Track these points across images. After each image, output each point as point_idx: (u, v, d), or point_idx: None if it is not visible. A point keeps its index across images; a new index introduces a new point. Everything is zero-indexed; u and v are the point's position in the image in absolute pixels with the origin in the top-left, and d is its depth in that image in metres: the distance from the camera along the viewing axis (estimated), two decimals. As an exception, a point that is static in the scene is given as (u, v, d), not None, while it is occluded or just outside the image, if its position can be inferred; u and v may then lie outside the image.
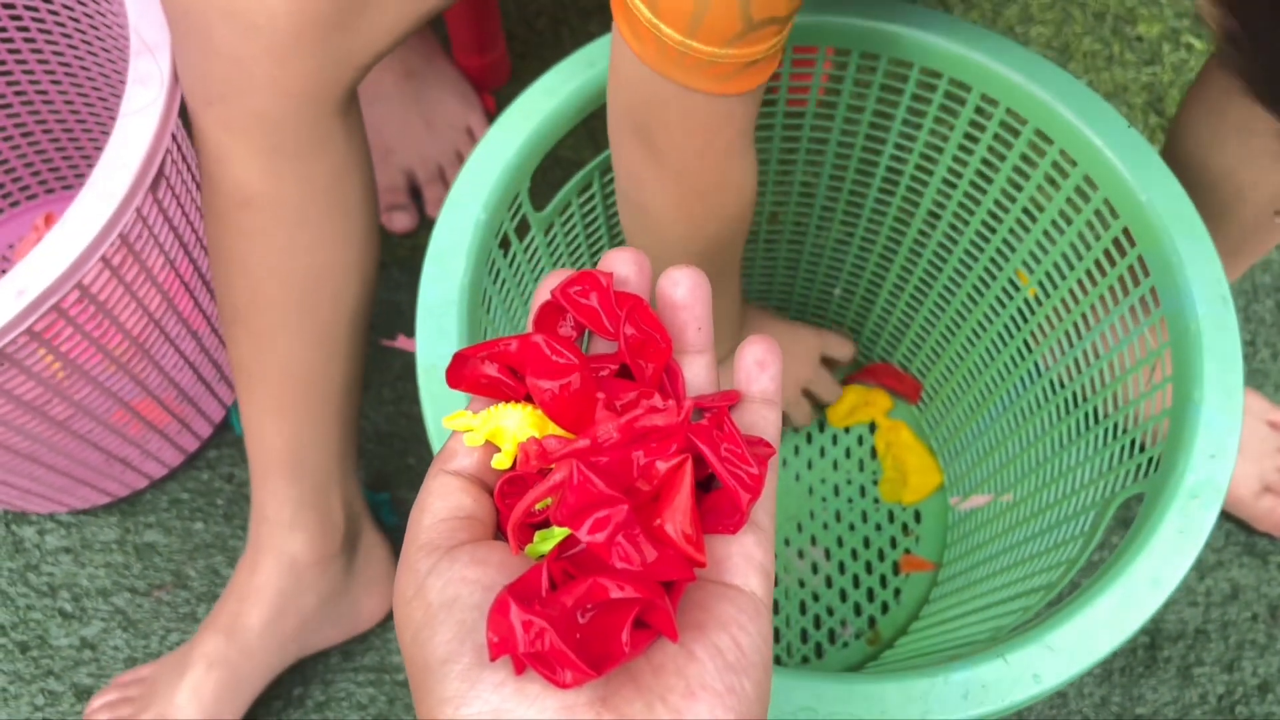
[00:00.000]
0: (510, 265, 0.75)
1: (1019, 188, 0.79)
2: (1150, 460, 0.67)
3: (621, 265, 0.40)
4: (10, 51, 1.00)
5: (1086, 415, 0.80)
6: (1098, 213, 0.74)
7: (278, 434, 0.83)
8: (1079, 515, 0.74)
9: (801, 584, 0.99)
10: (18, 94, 1.05)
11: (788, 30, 0.58)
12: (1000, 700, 0.56)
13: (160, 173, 0.78)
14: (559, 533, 0.35)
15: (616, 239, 0.87)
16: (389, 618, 0.98)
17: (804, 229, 0.96)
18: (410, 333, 1.12)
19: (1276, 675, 0.99)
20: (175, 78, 0.76)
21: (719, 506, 0.36)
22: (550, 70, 0.73)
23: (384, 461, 1.06)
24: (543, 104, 0.72)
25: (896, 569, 1.00)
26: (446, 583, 0.33)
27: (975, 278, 0.88)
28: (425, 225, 1.18)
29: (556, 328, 0.39)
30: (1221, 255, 0.69)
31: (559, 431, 0.37)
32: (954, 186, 0.84)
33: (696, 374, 0.40)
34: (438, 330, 0.65)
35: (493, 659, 0.31)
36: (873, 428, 1.06)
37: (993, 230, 0.84)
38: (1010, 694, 0.56)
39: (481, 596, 0.33)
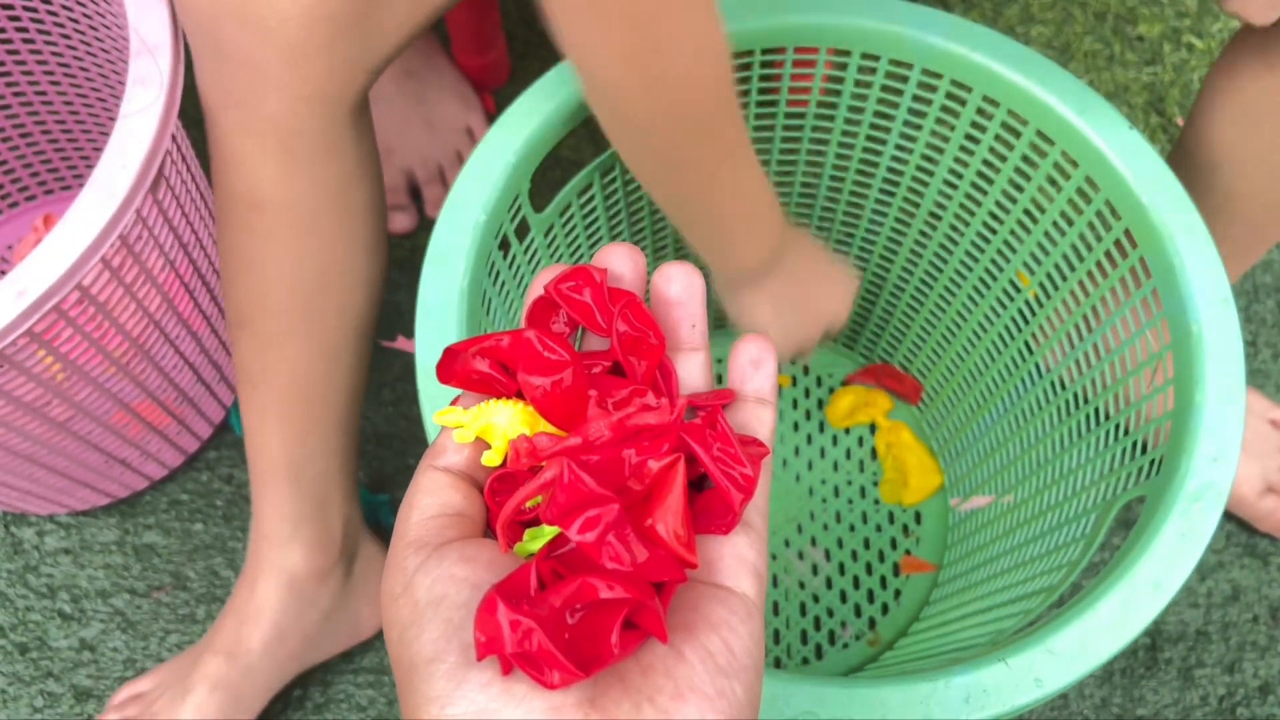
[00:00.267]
0: (510, 267, 0.75)
1: (1020, 189, 0.79)
2: (1152, 463, 0.67)
3: (616, 261, 0.40)
4: (9, 53, 1.00)
5: (1088, 417, 0.80)
6: (1099, 214, 0.74)
7: (279, 441, 0.83)
8: (1080, 518, 0.74)
9: (802, 585, 0.99)
10: (16, 95, 1.05)
11: None
12: (1002, 704, 0.55)
13: (160, 174, 0.77)
14: (549, 531, 0.35)
15: (617, 240, 0.87)
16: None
17: (804, 229, 0.96)
18: (410, 333, 1.12)
19: (1277, 677, 0.99)
20: (175, 79, 0.76)
21: (711, 507, 0.36)
22: (550, 71, 0.73)
23: (383, 463, 1.06)
24: (542, 105, 0.72)
25: (897, 570, 1.00)
26: (434, 580, 0.33)
27: (976, 278, 0.88)
28: (425, 226, 1.18)
29: (549, 323, 0.39)
30: (1238, 243, 0.68)
31: (550, 429, 0.37)
32: (955, 187, 0.83)
33: (690, 372, 0.40)
34: (437, 332, 0.65)
35: (479, 659, 0.31)
36: (873, 429, 1.06)
37: (994, 231, 0.84)
38: (1012, 698, 0.56)
39: (469, 595, 0.33)
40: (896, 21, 0.74)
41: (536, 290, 0.39)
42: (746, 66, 0.78)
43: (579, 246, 0.83)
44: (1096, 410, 0.79)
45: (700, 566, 0.35)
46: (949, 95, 0.77)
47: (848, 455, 1.05)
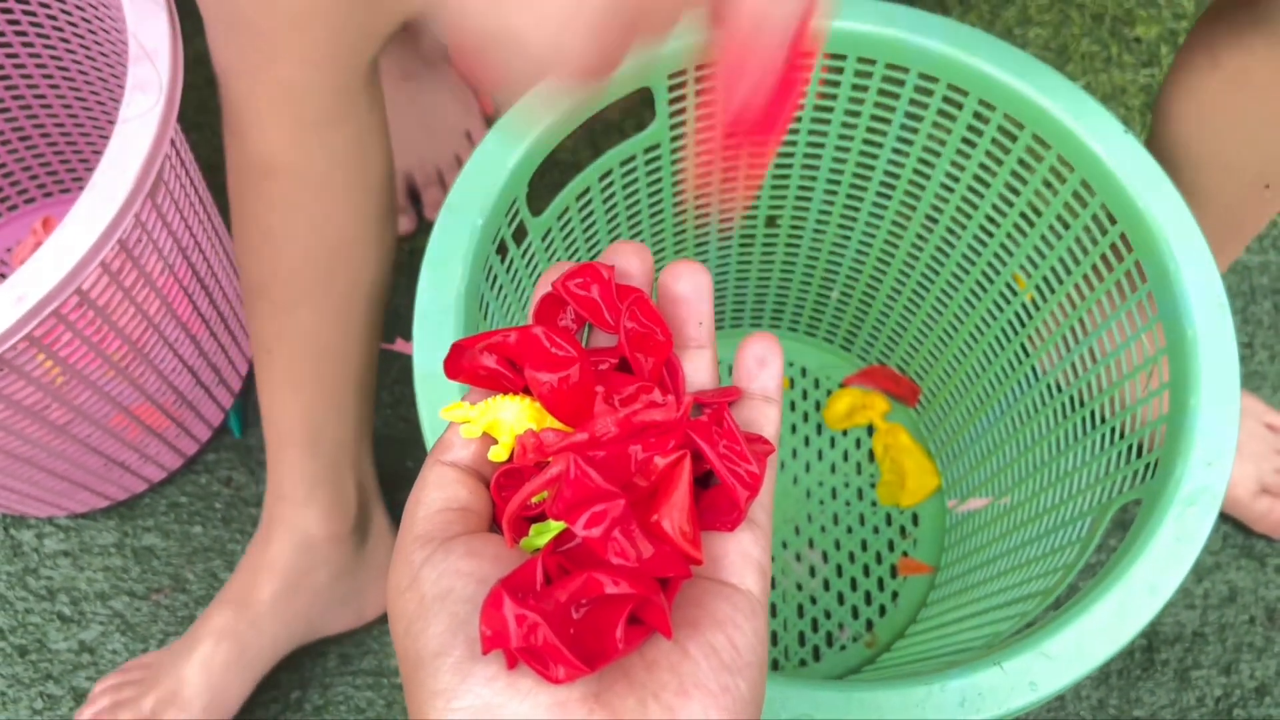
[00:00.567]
0: (508, 271, 0.75)
1: (1016, 192, 0.79)
2: (1148, 466, 0.67)
3: (624, 258, 0.40)
4: (8, 56, 1.00)
5: (1085, 420, 0.80)
6: (1095, 218, 0.74)
7: (295, 407, 0.84)
8: (1077, 520, 0.74)
9: (799, 587, 0.99)
10: (16, 99, 1.05)
11: None
12: (997, 707, 0.56)
13: (159, 178, 0.78)
14: (555, 526, 0.35)
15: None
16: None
17: (800, 232, 0.96)
18: (408, 336, 1.11)
19: (1274, 678, 0.99)
20: (174, 84, 0.76)
21: (717, 504, 0.36)
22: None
23: (381, 465, 1.06)
24: (540, 109, 0.72)
25: (894, 572, 1.00)
26: (440, 575, 0.33)
27: (973, 281, 0.88)
28: (424, 228, 1.18)
29: (556, 320, 0.39)
30: (1213, 239, 0.68)
31: (557, 424, 0.37)
32: (951, 191, 0.84)
33: (697, 369, 0.40)
34: (435, 337, 0.65)
35: (485, 653, 0.31)
36: (870, 430, 1.06)
37: (990, 234, 0.84)
38: (1007, 701, 0.56)
39: (475, 589, 0.33)
40: (893, 26, 0.75)
41: (545, 287, 0.39)
42: (743, 71, 0.78)
43: (577, 250, 0.83)
44: (1093, 413, 0.79)
45: (705, 563, 0.35)
46: (945, 100, 0.77)
47: (845, 457, 1.05)
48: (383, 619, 0.98)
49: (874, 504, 1.03)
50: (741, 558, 0.35)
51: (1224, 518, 1.04)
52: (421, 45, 1.17)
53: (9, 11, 0.96)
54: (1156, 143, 0.87)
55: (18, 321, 0.71)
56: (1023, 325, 0.86)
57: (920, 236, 0.90)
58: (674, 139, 0.81)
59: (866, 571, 1.00)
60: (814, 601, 0.99)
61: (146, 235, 0.80)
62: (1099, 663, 0.57)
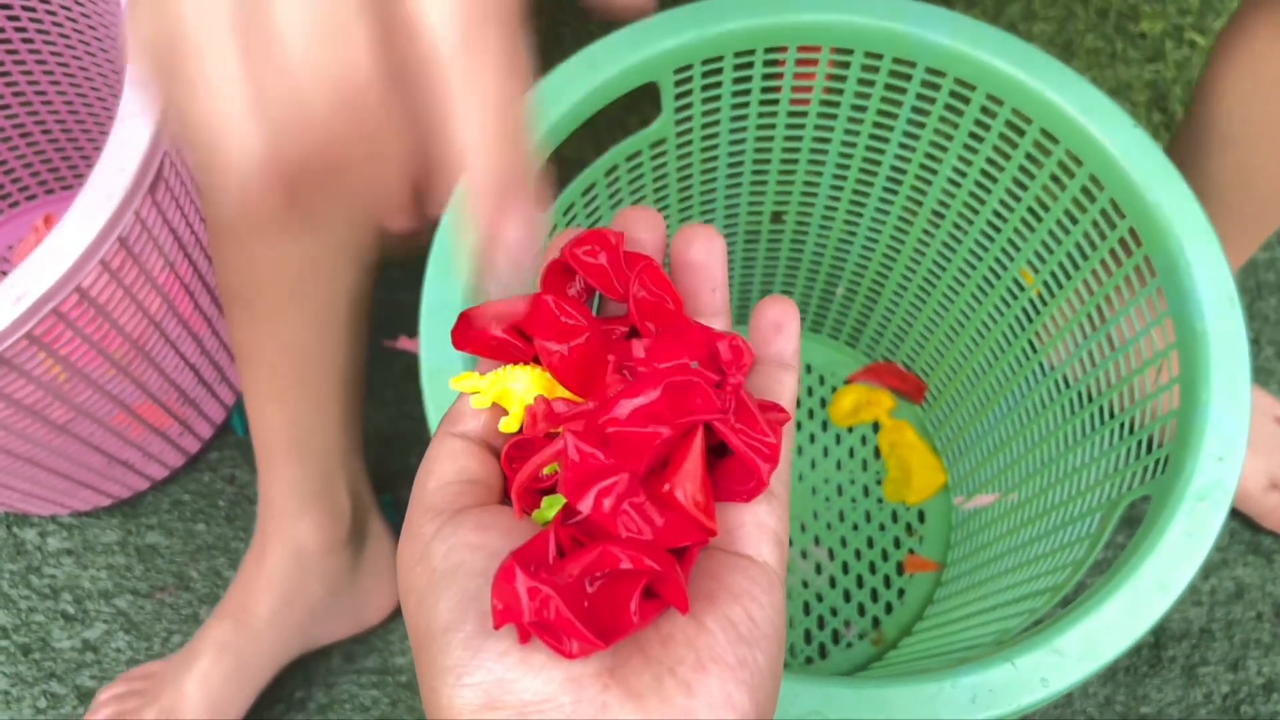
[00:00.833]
0: (513, 266, 0.74)
1: (1024, 187, 0.79)
2: (1157, 461, 0.67)
3: (634, 225, 0.39)
4: (9, 53, 1.00)
5: (1093, 415, 0.79)
6: (1104, 212, 0.73)
7: (279, 418, 0.83)
8: (1085, 516, 0.74)
9: (805, 584, 0.99)
10: (16, 95, 1.05)
11: None
12: (1008, 704, 0.55)
13: (159, 175, 0.77)
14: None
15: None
16: (393, 617, 0.98)
17: (806, 228, 0.96)
18: (412, 333, 1.11)
19: (1282, 674, 0.99)
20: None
21: (733, 473, 0.35)
22: (551, 72, 0.73)
23: (386, 463, 1.06)
24: (546, 105, 0.72)
25: (900, 569, 1.00)
26: (451, 548, 0.33)
27: (980, 276, 0.88)
28: (427, 226, 1.17)
29: (565, 288, 0.38)
30: (1245, 225, 0.67)
31: (567, 394, 0.36)
32: (958, 185, 0.83)
33: None
34: (441, 333, 0.65)
35: (496, 627, 0.30)
36: (876, 427, 1.06)
37: (997, 229, 0.83)
38: (1018, 697, 0.55)
39: (486, 563, 0.32)
40: (899, 20, 0.74)
41: (553, 254, 0.38)
42: (749, 65, 0.78)
43: (582, 246, 0.83)
44: (1101, 408, 0.79)
45: (721, 534, 0.34)
46: (952, 94, 0.77)
47: (851, 454, 1.05)
48: (383, 623, 0.98)
49: (880, 501, 1.03)
50: (758, 529, 0.34)
51: (1231, 513, 1.04)
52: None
53: (9, 8, 0.95)
54: (1198, 121, 0.85)
55: (17, 320, 0.70)
56: (1030, 320, 0.86)
57: (927, 232, 0.89)
58: (680, 134, 0.80)
59: (873, 569, 1.00)
60: (820, 599, 0.99)
61: (147, 232, 0.79)
62: (1110, 659, 0.56)
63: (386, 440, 1.07)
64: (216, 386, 1.02)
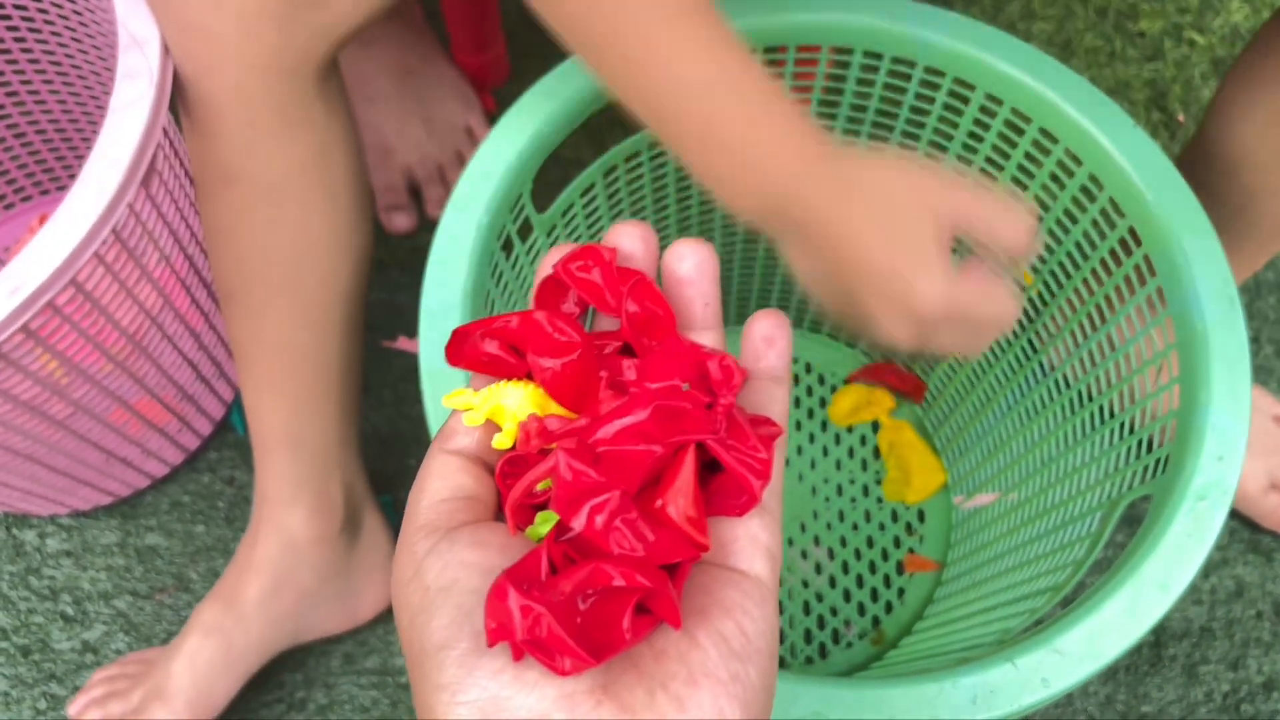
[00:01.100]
0: (513, 268, 0.74)
1: (1024, 187, 0.79)
2: (1158, 461, 0.67)
3: (627, 240, 0.39)
4: (0, 53, 1.00)
5: (1093, 414, 0.79)
6: (1103, 212, 0.73)
7: (274, 411, 0.84)
8: (1085, 516, 0.74)
9: (805, 584, 0.99)
10: (9, 95, 1.05)
11: None
12: (1009, 704, 0.55)
13: (152, 167, 0.77)
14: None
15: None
16: (391, 615, 0.98)
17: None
18: (411, 333, 1.11)
19: (1282, 673, 0.99)
20: (165, 72, 0.76)
21: (725, 488, 0.35)
22: (551, 71, 0.73)
23: (385, 463, 1.06)
24: (544, 105, 0.72)
25: (900, 569, 1.00)
26: (445, 565, 0.33)
27: (979, 277, 0.88)
28: (425, 226, 1.18)
29: (559, 304, 0.38)
30: (1253, 250, 0.67)
31: (561, 410, 0.36)
32: (958, 185, 0.83)
33: None
34: (441, 334, 0.64)
35: (490, 645, 0.30)
36: (876, 427, 1.06)
37: (997, 229, 0.83)
38: (1019, 698, 0.55)
39: (480, 580, 0.32)
40: (899, 19, 0.74)
41: (546, 270, 0.38)
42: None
43: (581, 246, 0.83)
44: (1101, 408, 0.79)
45: (713, 549, 0.34)
46: (951, 93, 0.77)
47: (850, 454, 1.05)
48: (380, 618, 0.98)
49: (879, 500, 1.03)
50: (750, 543, 0.35)
51: (1231, 513, 1.03)
52: (422, 42, 1.16)
53: (0, 7, 0.95)
54: (1210, 143, 0.85)
55: (12, 313, 0.70)
56: (1030, 320, 0.86)
57: (926, 231, 0.89)
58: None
59: (873, 568, 1.00)
60: (820, 599, 0.99)
61: (141, 226, 0.79)
62: (1111, 659, 0.57)
63: (385, 440, 1.07)
64: (215, 382, 1.02)
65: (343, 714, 0.97)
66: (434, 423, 0.62)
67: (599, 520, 0.31)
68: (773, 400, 0.38)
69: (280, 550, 0.88)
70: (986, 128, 0.78)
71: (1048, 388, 0.86)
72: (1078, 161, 0.73)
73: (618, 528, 0.32)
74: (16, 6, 0.96)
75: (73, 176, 1.15)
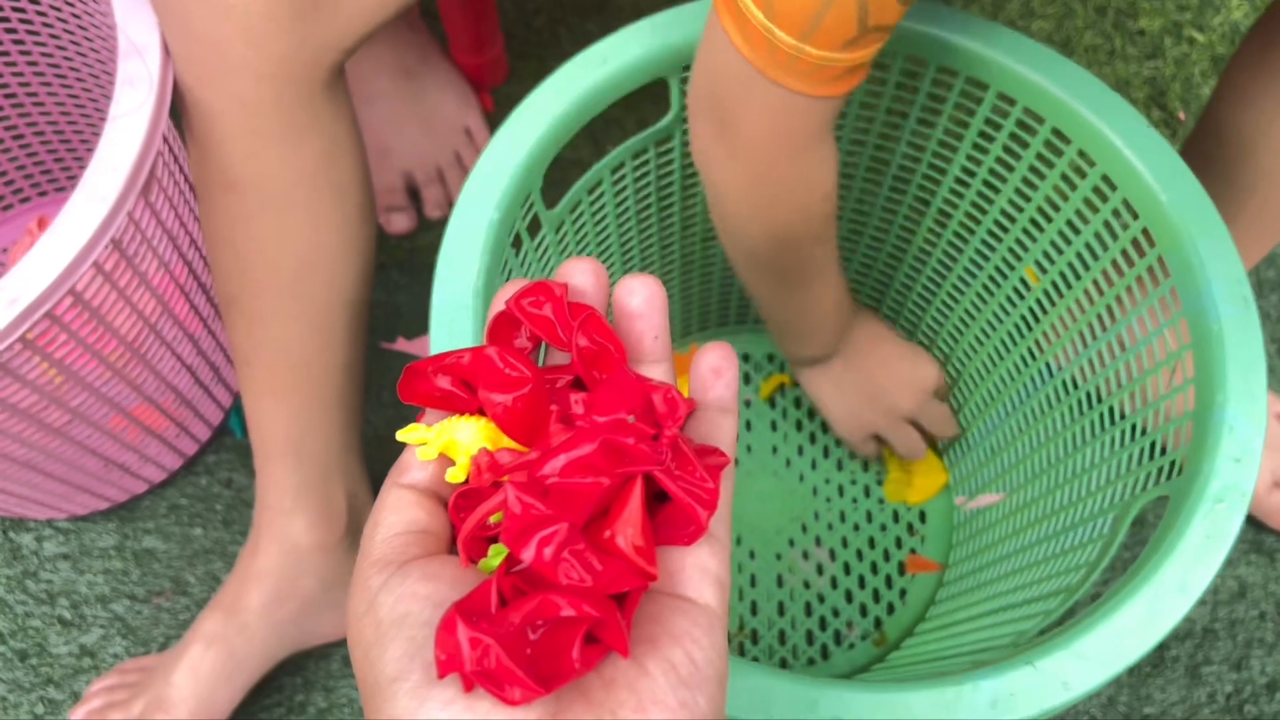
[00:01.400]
0: (522, 265, 0.74)
1: (1034, 187, 0.78)
2: (1172, 464, 0.66)
3: (578, 275, 0.40)
4: (-1, 54, 0.99)
5: (1102, 416, 0.79)
6: (1116, 213, 0.73)
7: (275, 419, 0.83)
8: (1096, 518, 0.74)
9: (807, 585, 0.99)
10: (8, 97, 1.04)
11: (889, 36, 0.59)
12: (1030, 708, 0.55)
13: (152, 175, 0.76)
14: None
15: (625, 236, 0.86)
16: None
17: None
18: (410, 335, 1.11)
19: (1285, 674, 0.99)
20: (165, 79, 0.75)
21: (674, 519, 0.36)
22: (561, 68, 0.72)
23: (384, 465, 1.04)
24: (553, 102, 0.71)
25: (902, 570, 0.99)
26: (397, 599, 0.33)
27: (986, 277, 0.88)
28: (424, 226, 1.17)
29: (512, 339, 0.39)
30: (1264, 230, 0.67)
31: (513, 444, 0.37)
32: (967, 185, 0.83)
33: None
34: (451, 333, 0.64)
35: (440, 677, 0.31)
36: (878, 427, 1.05)
37: (1005, 229, 0.83)
38: (1039, 701, 0.55)
39: (432, 613, 0.33)
40: (913, 20, 0.74)
41: (498, 306, 0.39)
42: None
43: (587, 243, 0.83)
44: (1111, 410, 0.78)
45: (662, 578, 0.35)
46: (964, 93, 0.77)
47: (852, 454, 1.04)
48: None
49: (881, 501, 1.02)
50: (699, 572, 0.35)
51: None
52: (420, 42, 1.16)
53: (-1, 10, 0.95)
54: (1220, 122, 0.85)
55: (11, 323, 0.69)
56: (1036, 321, 0.85)
57: (933, 231, 0.89)
58: (686, 131, 0.80)
59: (874, 569, 1.00)
60: (821, 599, 0.98)
61: (140, 234, 0.79)
62: (1131, 661, 0.56)
63: (384, 442, 1.07)
64: (213, 388, 1.02)
65: (342, 717, 0.96)
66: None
67: (547, 552, 0.32)
68: (721, 430, 0.39)
69: (282, 559, 0.87)
70: (998, 127, 0.77)
71: (1054, 389, 0.85)
72: (1090, 161, 0.73)
73: (566, 559, 0.32)
74: (15, 9, 0.95)
75: (71, 179, 1.14)
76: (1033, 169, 0.77)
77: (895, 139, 0.83)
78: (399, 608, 0.33)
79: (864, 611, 0.98)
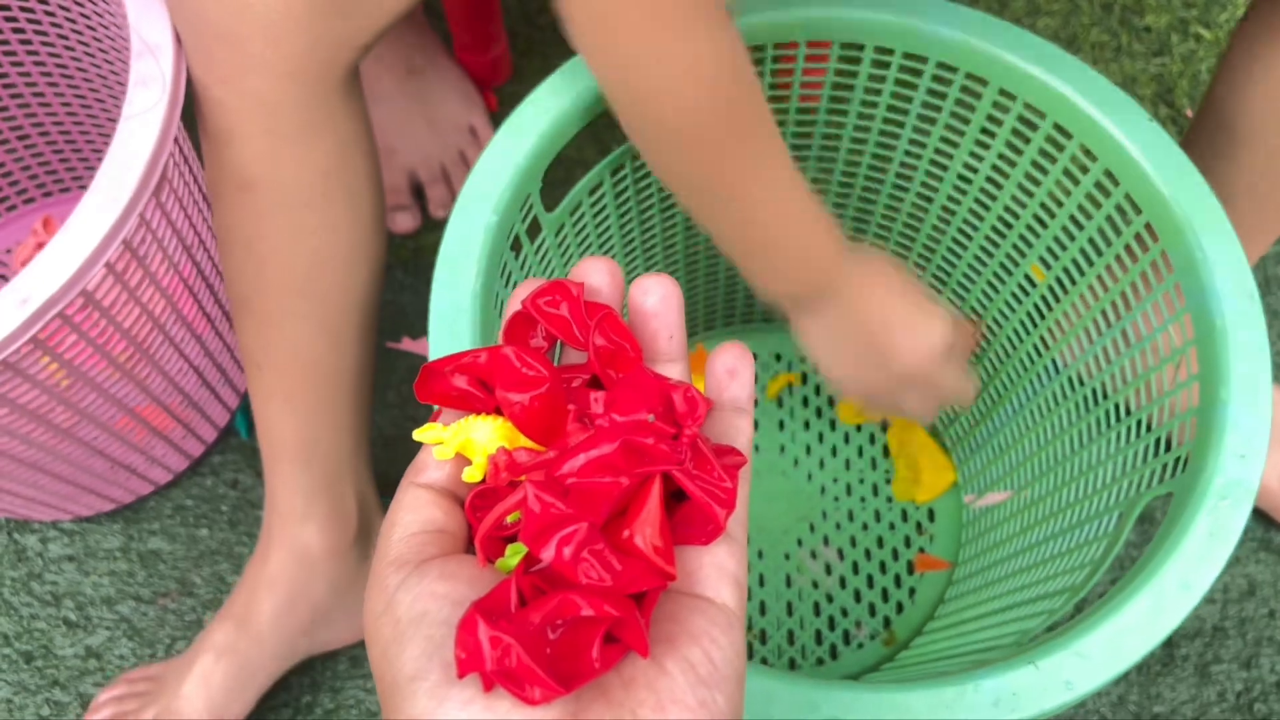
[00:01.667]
0: (522, 267, 0.74)
1: (1037, 183, 0.78)
2: (1177, 460, 0.66)
3: (594, 275, 0.40)
4: (6, 54, 0.99)
5: (1108, 412, 0.79)
6: (1119, 208, 0.73)
7: (286, 422, 0.83)
8: (1101, 515, 0.73)
9: (815, 585, 0.98)
10: (15, 98, 1.04)
11: None
12: (1032, 707, 0.55)
13: (164, 176, 0.76)
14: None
15: (628, 237, 0.86)
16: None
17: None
18: (415, 334, 1.11)
19: (1295, 672, 0.98)
20: (177, 79, 0.75)
21: (691, 518, 0.36)
22: (558, 70, 0.72)
23: (389, 466, 1.05)
24: (552, 103, 0.71)
25: (911, 568, 0.99)
26: (415, 598, 0.33)
27: (990, 274, 0.87)
28: (428, 226, 1.17)
29: (527, 339, 0.39)
30: (1256, 228, 0.67)
31: (529, 443, 0.37)
32: (970, 182, 0.82)
33: None
34: (450, 337, 0.64)
35: (460, 676, 0.31)
36: (885, 426, 1.05)
37: (1009, 226, 0.83)
38: (1042, 701, 0.55)
39: (450, 612, 0.33)
40: (911, 14, 0.74)
41: (514, 305, 0.39)
42: (759, 61, 0.77)
43: (589, 245, 0.82)
44: (1117, 406, 0.78)
45: (680, 578, 0.35)
46: (964, 89, 0.76)
47: (859, 453, 1.04)
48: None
49: (889, 500, 1.02)
50: (716, 571, 0.35)
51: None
52: (424, 41, 1.16)
53: (6, 9, 0.95)
54: (1212, 122, 0.84)
55: (22, 324, 0.69)
56: (1042, 317, 0.85)
57: (936, 228, 0.89)
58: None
59: (883, 568, 0.99)
60: (830, 599, 0.98)
61: (151, 234, 0.78)
62: (1134, 661, 0.56)
63: (389, 442, 1.07)
64: (220, 389, 1.02)
65: (349, 718, 0.96)
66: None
67: (567, 551, 0.32)
68: (737, 430, 0.39)
69: (294, 565, 0.86)
70: (999, 123, 0.77)
71: (1060, 385, 0.85)
72: (1092, 157, 0.72)
73: (585, 558, 0.32)
74: (23, 9, 0.95)
75: (76, 179, 1.15)
76: (1035, 165, 0.77)
77: (896, 137, 0.83)
78: (417, 606, 0.33)
79: (873, 611, 0.98)
